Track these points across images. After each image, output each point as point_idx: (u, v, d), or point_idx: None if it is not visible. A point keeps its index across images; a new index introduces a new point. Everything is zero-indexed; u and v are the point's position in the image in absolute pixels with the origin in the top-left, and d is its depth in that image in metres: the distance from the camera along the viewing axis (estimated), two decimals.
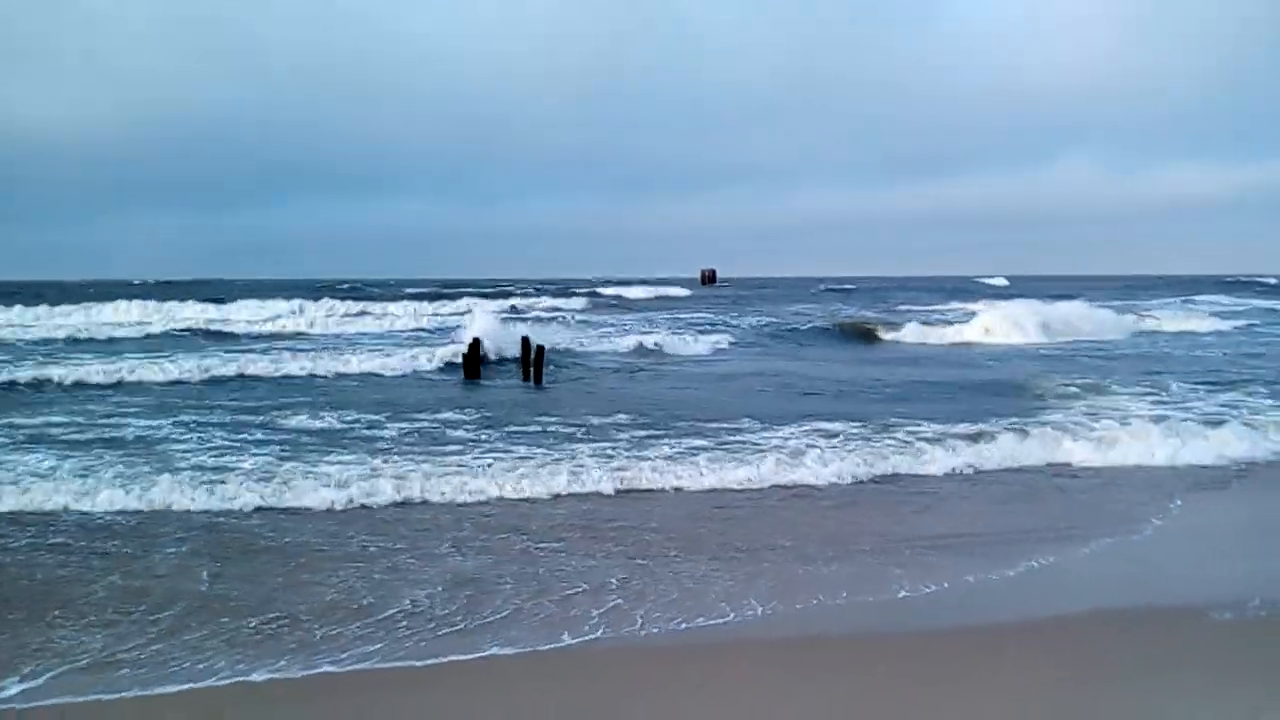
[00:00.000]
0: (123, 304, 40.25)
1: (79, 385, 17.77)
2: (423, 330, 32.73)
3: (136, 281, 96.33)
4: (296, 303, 42.20)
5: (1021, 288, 79.01)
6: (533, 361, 19.73)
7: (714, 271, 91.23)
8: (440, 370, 20.94)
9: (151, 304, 41.28)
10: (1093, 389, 17.23)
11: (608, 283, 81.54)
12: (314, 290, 58.78)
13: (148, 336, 29.04)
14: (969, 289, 79.26)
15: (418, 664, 5.69)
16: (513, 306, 45.92)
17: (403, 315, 38.44)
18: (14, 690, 5.27)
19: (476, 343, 21.24)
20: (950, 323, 35.93)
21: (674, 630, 6.25)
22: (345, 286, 72.66)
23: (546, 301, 52.01)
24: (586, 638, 6.11)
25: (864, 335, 33.19)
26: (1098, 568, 7.83)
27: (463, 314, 35.88)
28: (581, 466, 10.73)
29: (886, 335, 32.72)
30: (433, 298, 51.65)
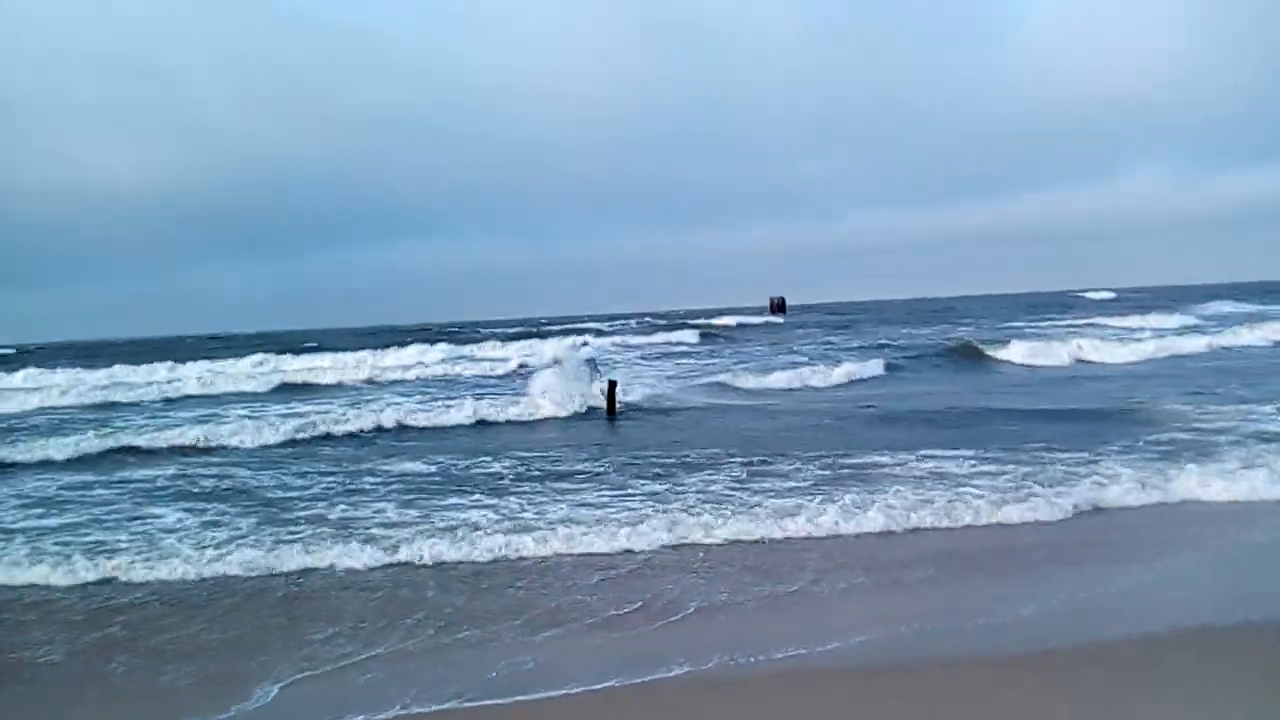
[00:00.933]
0: (258, 356, 40.07)
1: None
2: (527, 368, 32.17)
3: (224, 334, 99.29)
4: (416, 348, 41.89)
5: (1128, 300, 76.76)
6: (606, 397, 20.43)
7: (783, 299, 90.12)
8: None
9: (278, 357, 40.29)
10: None
11: (676, 314, 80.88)
12: (395, 336, 59.40)
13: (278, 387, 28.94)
14: (1071, 303, 77.26)
15: None
16: (616, 343, 46.05)
17: (513, 356, 38.51)
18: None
19: (612, 385, 21.14)
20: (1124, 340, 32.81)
21: None
22: (419, 329, 73.73)
23: (642, 338, 50.58)
24: None
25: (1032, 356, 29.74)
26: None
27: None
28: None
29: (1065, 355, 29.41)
30: (516, 337, 51.69)
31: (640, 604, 7.37)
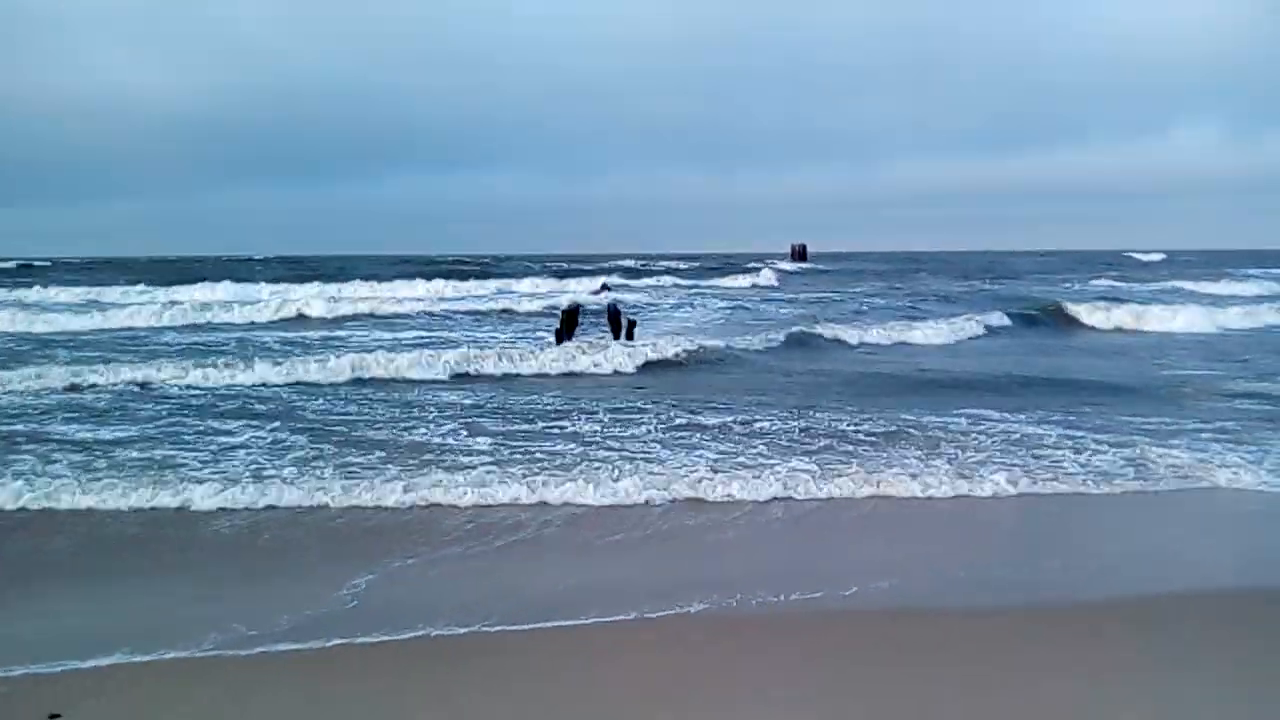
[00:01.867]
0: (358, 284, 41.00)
1: None
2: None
3: (258, 257, 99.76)
4: (438, 282, 41.75)
5: (1180, 262, 74.99)
6: (624, 328, 21.34)
7: (804, 247, 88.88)
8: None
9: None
10: None
11: (695, 257, 79.93)
12: (432, 266, 58.96)
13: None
14: (1122, 262, 75.94)
15: None
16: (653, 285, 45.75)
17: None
18: None
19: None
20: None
21: None
22: (454, 261, 73.67)
23: (673, 281, 49.09)
24: None
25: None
26: None
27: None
28: None
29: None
30: (560, 274, 50.94)
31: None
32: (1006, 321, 26.72)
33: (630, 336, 21.02)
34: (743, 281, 49.27)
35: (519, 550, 7.49)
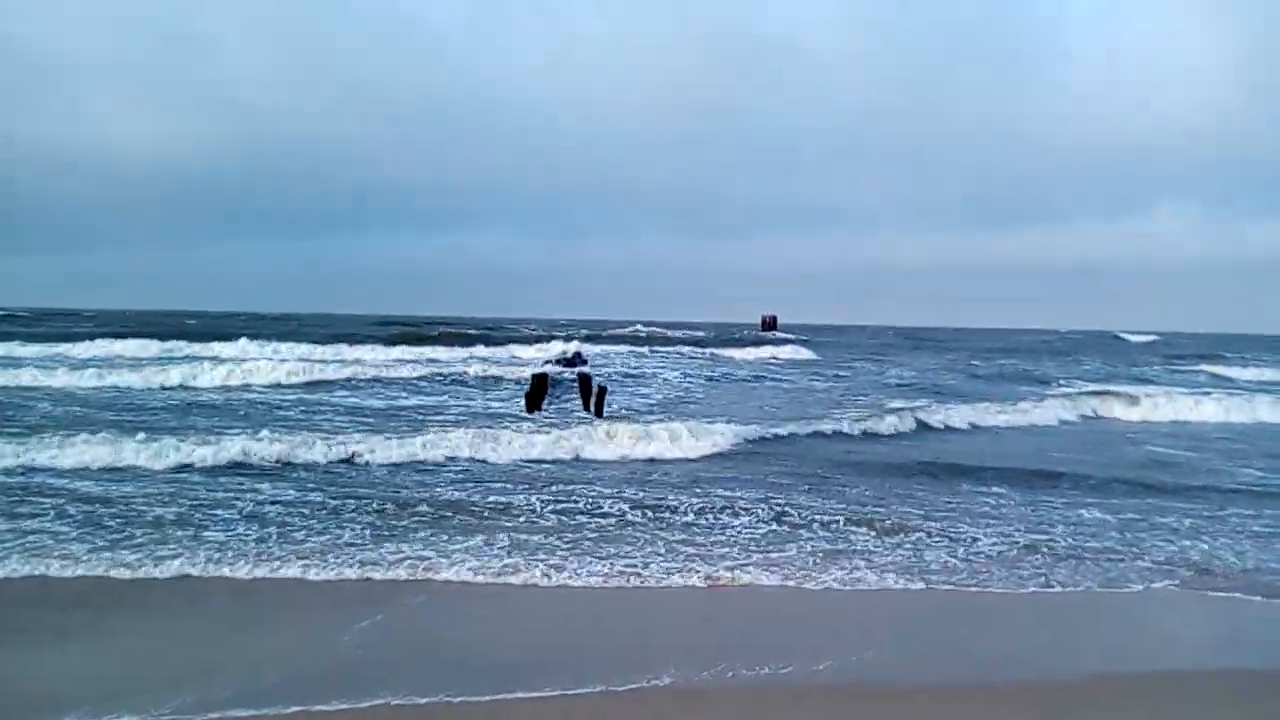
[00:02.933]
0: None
1: None
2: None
3: (244, 313, 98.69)
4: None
5: (1172, 345, 75.33)
6: (594, 399, 20.98)
7: (775, 318, 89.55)
8: None
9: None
10: None
11: (675, 325, 79.32)
12: (420, 329, 58.16)
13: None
14: (1114, 346, 76.04)
15: None
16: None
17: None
18: None
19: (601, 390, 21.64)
20: None
21: None
22: (439, 323, 72.66)
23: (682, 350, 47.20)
24: None
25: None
26: None
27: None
28: None
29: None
30: (540, 340, 50.12)
31: None
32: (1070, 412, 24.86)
33: (600, 406, 20.74)
34: (749, 354, 47.03)
35: (485, 621, 7.39)
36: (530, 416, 20.38)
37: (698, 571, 8.63)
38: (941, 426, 20.98)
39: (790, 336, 63.79)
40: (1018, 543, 10.05)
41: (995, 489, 13.24)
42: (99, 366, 26.57)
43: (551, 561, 8.80)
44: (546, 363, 31.19)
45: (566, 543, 9.53)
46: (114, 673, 6.04)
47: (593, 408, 20.70)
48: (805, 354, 47.83)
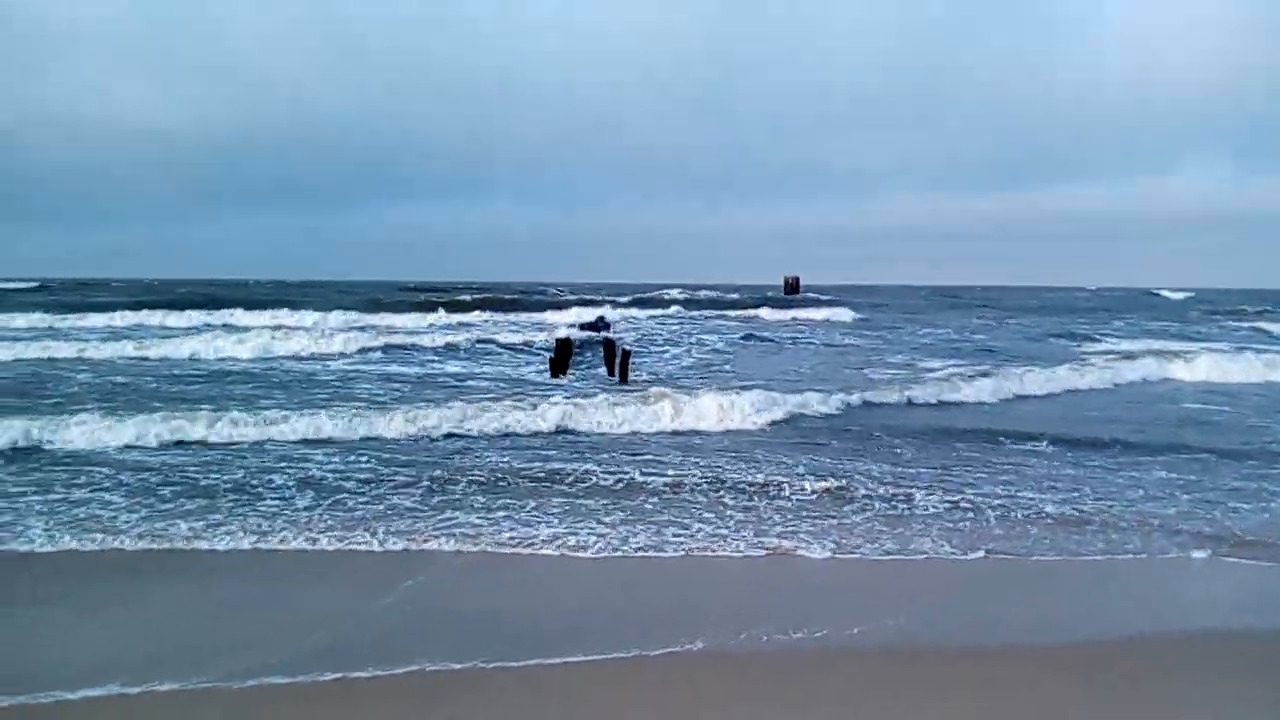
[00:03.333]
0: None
1: None
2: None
3: (252, 281, 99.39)
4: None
5: (1208, 300, 74.06)
6: (618, 362, 20.88)
7: (798, 279, 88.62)
8: None
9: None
10: None
11: (691, 288, 78.71)
12: (440, 294, 58.00)
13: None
14: (1152, 302, 74.93)
15: None
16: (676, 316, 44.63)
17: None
18: None
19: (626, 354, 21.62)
20: None
21: None
22: (460, 288, 72.58)
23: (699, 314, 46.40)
24: None
25: None
26: None
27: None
28: None
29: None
30: (565, 305, 49.64)
31: None
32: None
33: (625, 370, 20.68)
34: (785, 315, 45.75)
35: (521, 588, 7.46)
36: (557, 381, 20.46)
37: (745, 540, 8.58)
38: (1011, 395, 19.57)
39: (829, 298, 62.35)
40: (1080, 508, 9.87)
41: (1068, 454, 12.80)
42: (138, 337, 27.00)
43: (596, 530, 8.81)
44: (570, 328, 31.19)
45: (614, 512, 9.48)
46: (155, 641, 6.14)
47: (617, 372, 20.69)
48: (845, 314, 46.64)
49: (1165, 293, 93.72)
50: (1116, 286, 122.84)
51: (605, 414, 14.99)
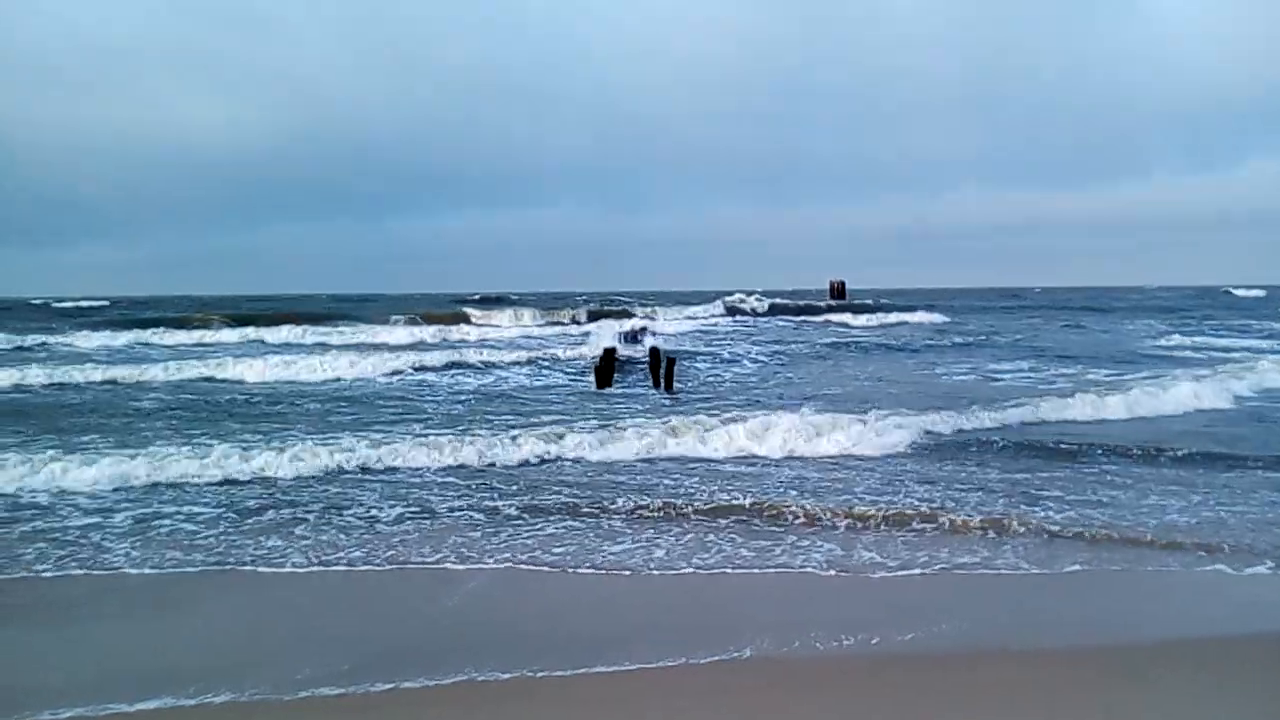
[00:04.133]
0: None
1: None
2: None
3: (311, 294, 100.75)
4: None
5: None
6: (663, 372, 20.86)
7: (843, 283, 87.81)
8: None
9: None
10: None
11: (747, 293, 78.17)
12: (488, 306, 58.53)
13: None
14: (1231, 301, 72.88)
15: None
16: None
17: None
18: None
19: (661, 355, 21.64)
20: None
21: None
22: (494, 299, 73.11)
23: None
24: None
25: None
26: None
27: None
28: None
29: None
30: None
31: None
32: None
33: (670, 378, 20.67)
34: (865, 320, 44.28)
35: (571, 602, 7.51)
36: (602, 392, 20.53)
37: (808, 554, 8.48)
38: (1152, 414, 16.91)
39: (905, 303, 60.81)
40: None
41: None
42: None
43: (657, 545, 8.81)
44: (613, 337, 31.27)
45: (679, 531, 9.31)
46: (207, 653, 6.27)
47: (662, 383, 20.70)
48: (934, 318, 45.43)
49: (1238, 291, 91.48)
50: (1184, 285, 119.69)
51: (692, 440, 13.65)
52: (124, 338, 34.54)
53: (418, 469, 12.21)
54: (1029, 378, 23.26)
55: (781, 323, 45.57)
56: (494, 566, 8.10)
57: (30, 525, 9.42)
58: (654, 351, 22.56)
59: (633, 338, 32.78)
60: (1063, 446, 13.49)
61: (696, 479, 11.58)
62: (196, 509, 10.08)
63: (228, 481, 11.42)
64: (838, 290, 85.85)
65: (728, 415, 15.18)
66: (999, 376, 23.81)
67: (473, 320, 44.50)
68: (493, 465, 12.53)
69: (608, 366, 21.91)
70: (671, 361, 21.16)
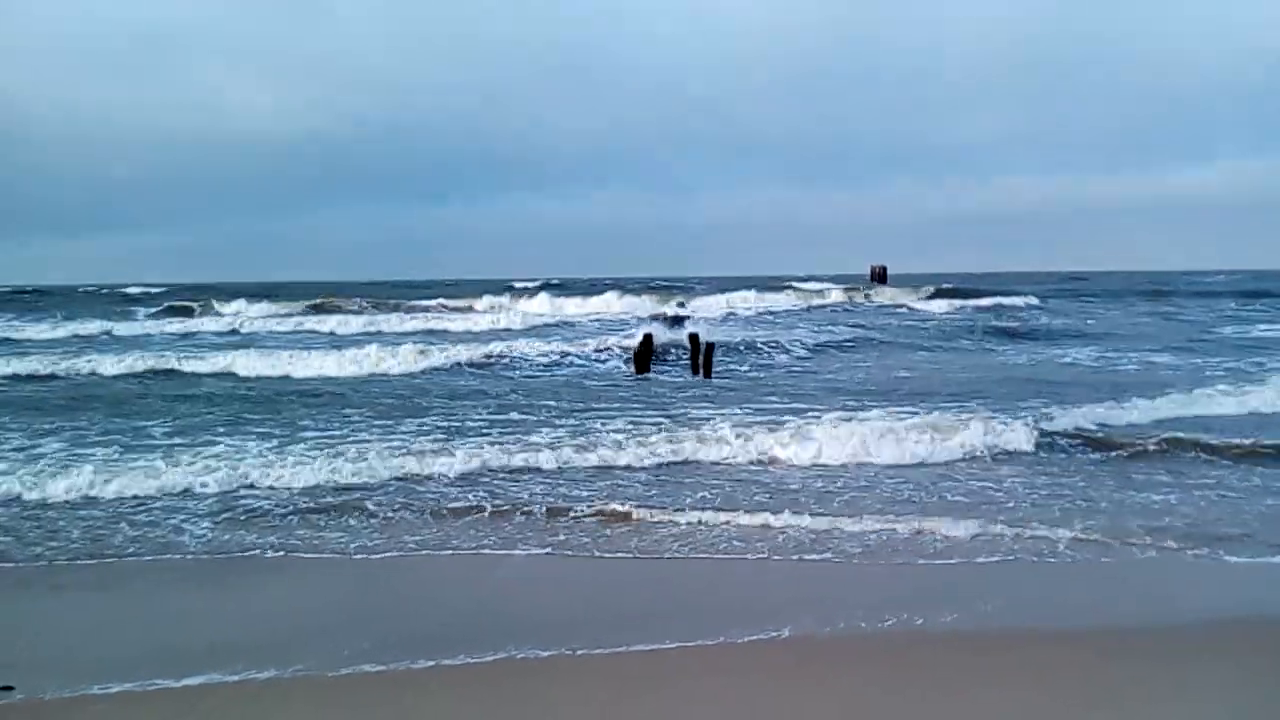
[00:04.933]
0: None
1: None
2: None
3: (364, 280, 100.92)
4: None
5: None
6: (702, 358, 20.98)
7: (884, 269, 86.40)
8: None
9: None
10: None
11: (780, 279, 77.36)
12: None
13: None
14: None
15: None
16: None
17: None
18: None
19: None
20: None
21: None
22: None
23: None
24: None
25: None
26: None
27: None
28: None
29: None
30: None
31: None
32: None
33: (709, 365, 20.74)
34: (935, 306, 42.69)
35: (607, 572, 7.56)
36: (643, 376, 20.66)
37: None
38: None
39: (1017, 288, 56.06)
40: None
41: None
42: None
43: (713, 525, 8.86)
44: (652, 322, 31.28)
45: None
46: (255, 632, 6.39)
47: (701, 369, 20.78)
48: (1026, 301, 42.92)
49: None
50: (1241, 269, 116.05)
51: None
52: (289, 322, 35.85)
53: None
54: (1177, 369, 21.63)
55: (837, 309, 44.29)
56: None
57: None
58: (692, 338, 22.54)
59: (675, 321, 32.74)
60: None
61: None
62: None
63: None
64: (878, 275, 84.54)
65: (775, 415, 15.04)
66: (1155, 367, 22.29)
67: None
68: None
69: (646, 352, 22.09)
70: (710, 347, 21.31)
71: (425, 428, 13.94)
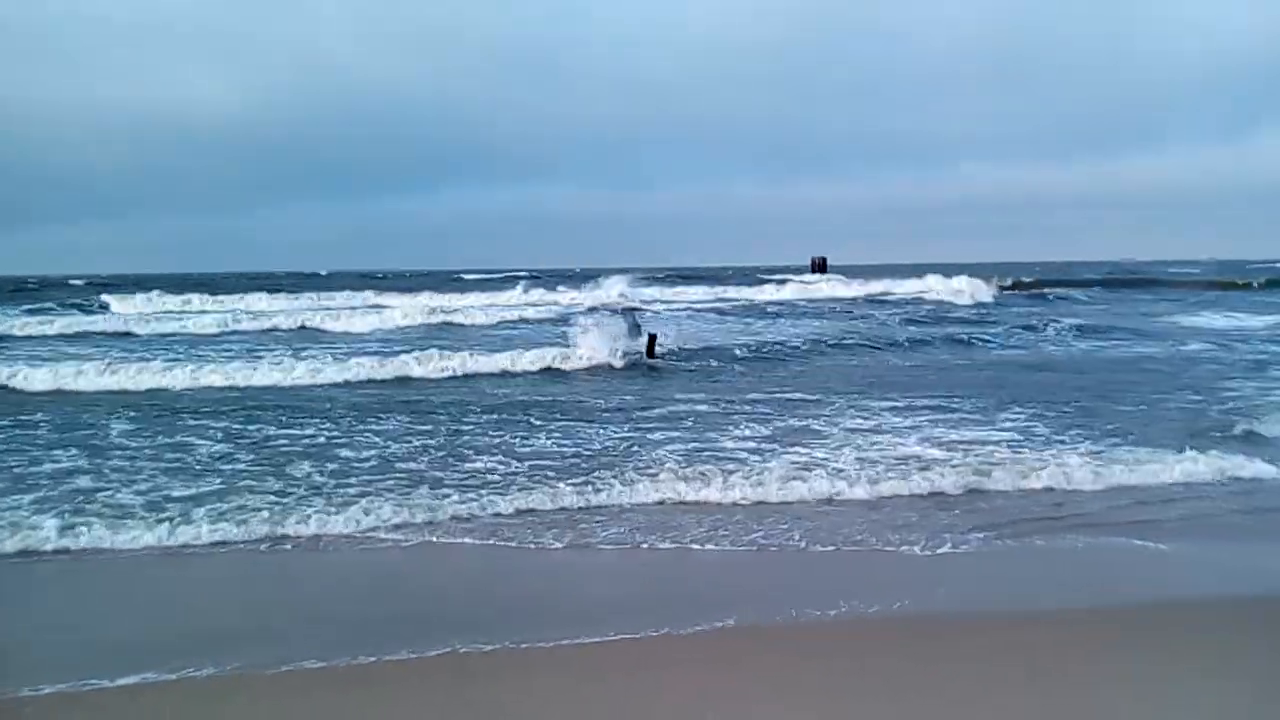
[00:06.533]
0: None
1: None
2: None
3: (311, 272, 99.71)
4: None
5: None
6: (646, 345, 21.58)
7: (824, 260, 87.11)
8: None
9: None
10: None
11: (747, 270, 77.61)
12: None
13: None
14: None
15: None
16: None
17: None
18: None
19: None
20: None
21: None
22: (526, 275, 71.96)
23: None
24: None
25: None
26: None
27: None
28: None
29: None
30: None
31: None
32: None
33: (651, 351, 21.15)
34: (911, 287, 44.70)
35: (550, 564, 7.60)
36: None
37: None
38: None
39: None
40: None
41: None
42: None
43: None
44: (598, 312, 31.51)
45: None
46: (194, 628, 6.33)
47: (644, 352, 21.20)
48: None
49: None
50: (1197, 259, 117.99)
51: None
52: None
53: None
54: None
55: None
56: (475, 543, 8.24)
57: None
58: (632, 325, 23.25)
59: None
60: None
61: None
62: None
63: None
64: (818, 266, 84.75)
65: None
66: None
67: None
68: None
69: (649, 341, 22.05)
70: (653, 337, 21.60)
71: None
